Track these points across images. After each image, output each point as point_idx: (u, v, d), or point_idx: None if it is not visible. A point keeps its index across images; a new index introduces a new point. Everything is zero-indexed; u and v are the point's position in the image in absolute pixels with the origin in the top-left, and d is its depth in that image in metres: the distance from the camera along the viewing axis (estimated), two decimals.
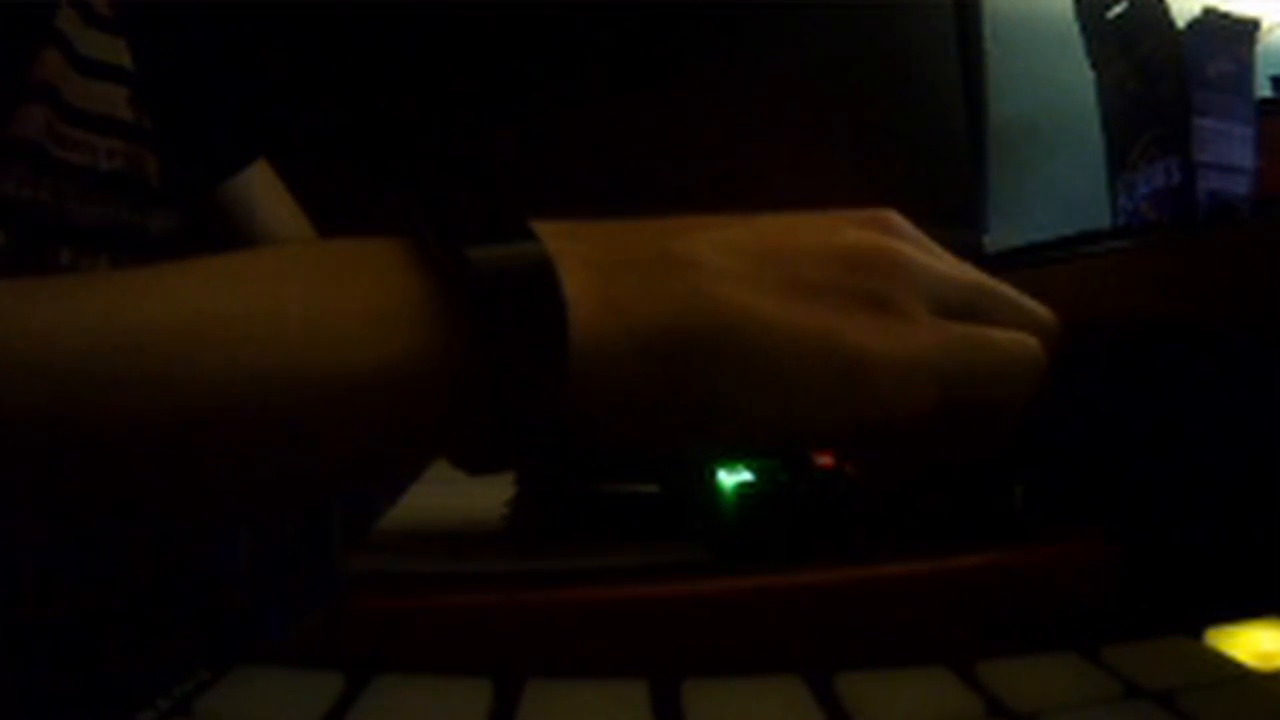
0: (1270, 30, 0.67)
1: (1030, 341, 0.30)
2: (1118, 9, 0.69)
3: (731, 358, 0.27)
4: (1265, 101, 0.65)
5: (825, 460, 0.37)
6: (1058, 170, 0.90)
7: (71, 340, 0.24)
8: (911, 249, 0.30)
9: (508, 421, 0.26)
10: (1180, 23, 0.65)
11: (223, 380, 0.24)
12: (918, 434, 0.28)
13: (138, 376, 0.24)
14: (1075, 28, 0.74)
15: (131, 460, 0.24)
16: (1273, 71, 0.67)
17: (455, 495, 0.40)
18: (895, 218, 0.30)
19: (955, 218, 0.92)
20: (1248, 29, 0.64)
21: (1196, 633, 0.21)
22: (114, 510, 0.26)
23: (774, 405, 0.27)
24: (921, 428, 0.28)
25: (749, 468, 0.33)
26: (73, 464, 0.24)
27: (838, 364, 0.27)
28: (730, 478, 0.32)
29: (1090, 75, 0.73)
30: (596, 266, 0.27)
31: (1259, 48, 0.65)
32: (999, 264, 0.32)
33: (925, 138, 0.95)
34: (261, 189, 0.64)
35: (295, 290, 0.26)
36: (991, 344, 0.29)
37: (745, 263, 0.28)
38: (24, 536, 0.26)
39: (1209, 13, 0.64)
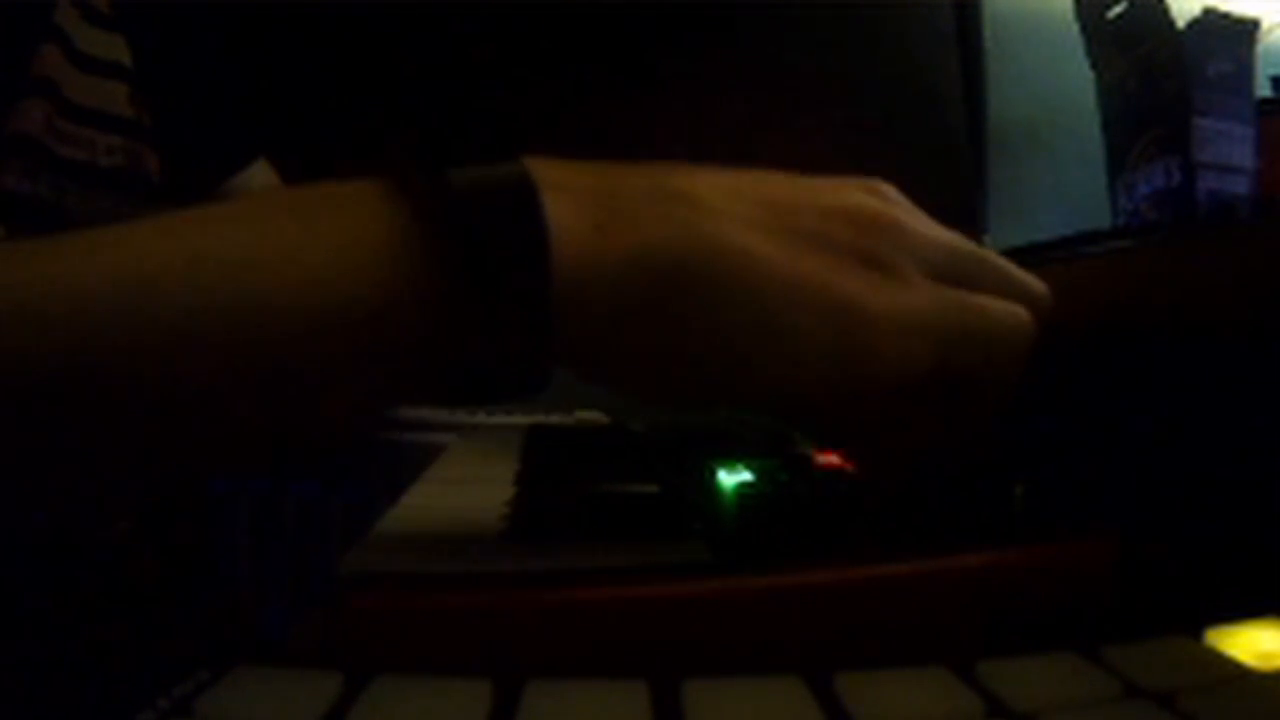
0: (1270, 30, 0.67)
1: (1021, 312, 0.30)
2: (1118, 9, 0.69)
3: (726, 296, 0.26)
4: (1265, 101, 0.65)
5: (825, 460, 0.37)
6: (1058, 170, 0.90)
7: (40, 296, 0.23)
8: (905, 215, 0.29)
9: (490, 350, 0.25)
10: (1180, 23, 0.65)
11: (193, 320, 0.23)
12: (907, 403, 0.28)
13: (110, 322, 0.23)
14: (1075, 28, 0.74)
15: (105, 409, 0.23)
16: (1273, 71, 0.67)
17: (455, 495, 0.40)
18: (889, 187, 0.30)
19: (955, 218, 0.92)
20: (1248, 29, 0.65)
21: (1196, 633, 0.21)
22: (90, 468, 0.25)
23: (766, 351, 0.27)
24: (911, 395, 0.28)
25: (749, 468, 0.33)
26: (42, 417, 0.23)
27: (834, 315, 0.27)
28: (730, 478, 0.32)
29: (1090, 75, 0.73)
30: (585, 191, 0.26)
31: (1259, 48, 0.65)
32: None
33: (925, 138, 0.95)
34: (262, 188, 0.64)
35: (268, 228, 0.25)
36: (985, 310, 0.29)
37: (745, 206, 0.27)
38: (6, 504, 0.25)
39: (1209, 13, 0.64)
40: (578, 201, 0.26)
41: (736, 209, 0.27)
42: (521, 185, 0.25)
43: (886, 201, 0.30)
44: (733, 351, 0.27)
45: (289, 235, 0.25)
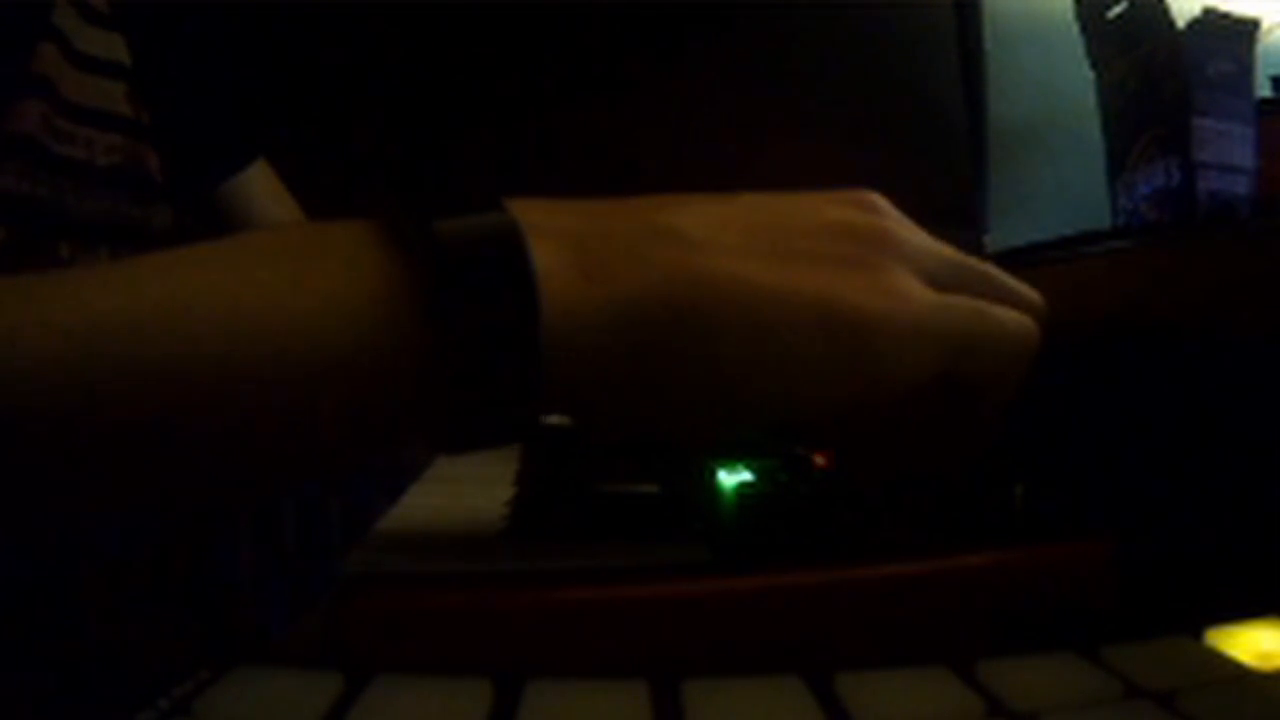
0: (1270, 30, 0.67)
1: (1026, 320, 0.30)
2: (1118, 9, 0.69)
3: (722, 327, 0.26)
4: (1265, 101, 0.65)
5: (824, 460, 0.36)
6: (1058, 170, 0.90)
7: (32, 339, 0.23)
8: (896, 225, 0.29)
9: (481, 401, 0.25)
10: (1180, 23, 0.65)
11: (181, 370, 0.23)
12: (911, 409, 0.28)
13: (97, 370, 0.23)
14: (1075, 28, 0.74)
15: (91, 453, 0.23)
16: (1273, 71, 0.67)
17: (455, 495, 0.40)
18: (877, 197, 0.30)
19: (955, 218, 0.92)
20: (1248, 29, 0.65)
21: (1196, 633, 0.21)
22: (73, 505, 0.25)
23: (769, 375, 0.26)
24: (917, 403, 0.28)
25: (749, 468, 0.33)
26: (31, 460, 0.23)
27: (835, 325, 0.26)
28: (730, 478, 0.32)
29: (1090, 75, 0.73)
30: (571, 236, 0.26)
31: (1259, 48, 0.65)
32: (999, 264, 0.32)
33: (925, 138, 0.95)
34: (261, 189, 0.64)
35: (255, 275, 0.25)
36: (991, 317, 0.29)
37: (732, 235, 0.27)
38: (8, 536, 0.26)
39: (1209, 13, 0.64)
40: (565, 248, 0.25)
41: (724, 239, 0.26)
42: (509, 234, 0.25)
43: (876, 213, 0.29)
44: (734, 382, 0.26)
45: (276, 281, 0.25)
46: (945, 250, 0.30)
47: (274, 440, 0.25)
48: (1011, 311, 0.29)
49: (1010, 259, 0.48)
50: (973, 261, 0.30)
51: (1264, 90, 0.66)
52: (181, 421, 0.24)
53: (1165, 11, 0.65)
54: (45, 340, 0.23)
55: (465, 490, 0.41)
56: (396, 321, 0.24)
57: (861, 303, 0.26)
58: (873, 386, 0.27)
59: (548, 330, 0.24)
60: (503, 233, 0.25)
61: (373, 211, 0.26)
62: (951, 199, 0.93)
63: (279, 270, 0.25)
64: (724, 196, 0.29)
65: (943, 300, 0.28)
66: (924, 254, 0.29)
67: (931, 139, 0.95)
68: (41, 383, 0.23)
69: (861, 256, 0.27)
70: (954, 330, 0.28)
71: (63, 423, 0.23)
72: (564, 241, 0.25)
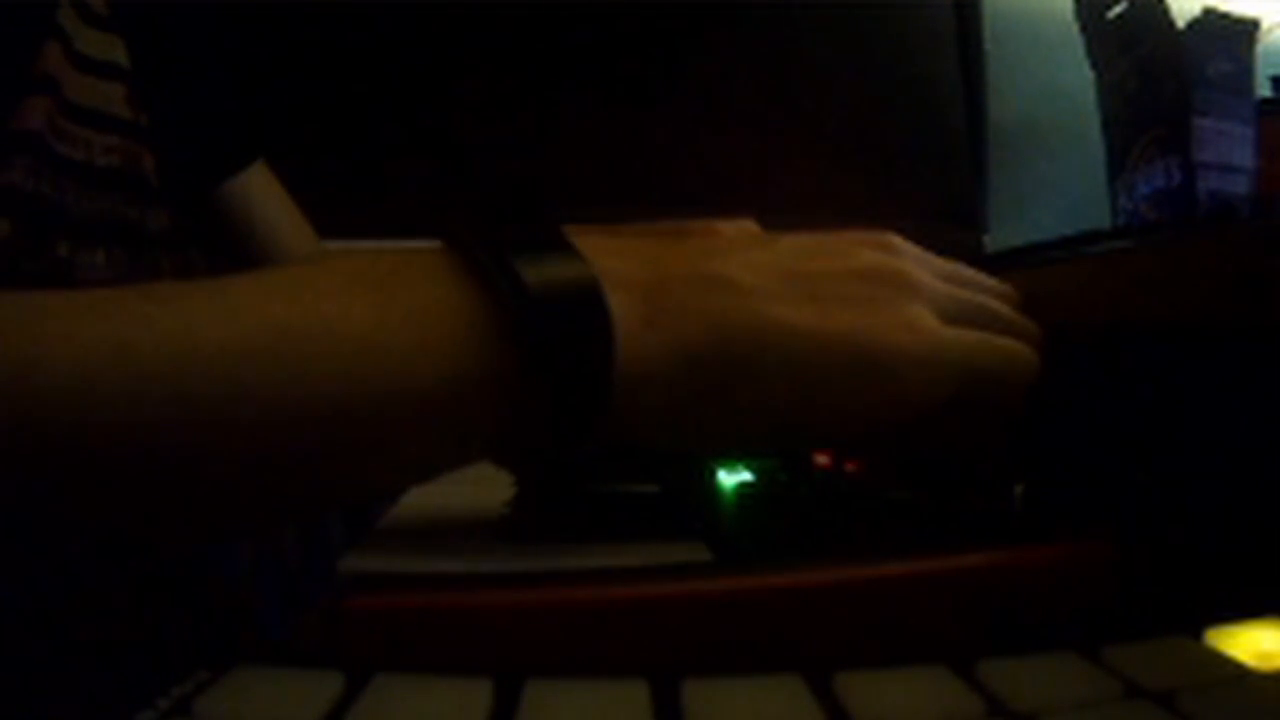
0: (1270, 30, 0.67)
1: (1029, 351, 0.33)
2: (1118, 9, 0.69)
3: (769, 367, 0.29)
4: (1265, 101, 0.65)
5: (824, 460, 0.37)
6: (1058, 170, 0.90)
7: (125, 364, 0.24)
8: (914, 267, 0.32)
9: (546, 435, 0.27)
10: (1180, 23, 0.65)
11: (289, 393, 0.25)
12: (921, 425, 0.31)
13: (211, 393, 0.24)
14: (1075, 28, 0.74)
15: (181, 477, 0.25)
16: (1273, 71, 0.67)
17: (455, 495, 0.40)
18: (897, 240, 0.33)
19: (955, 218, 0.92)
20: (1248, 29, 0.65)
21: (1196, 633, 0.21)
22: (151, 529, 0.26)
23: (805, 406, 0.30)
24: (930, 420, 0.31)
25: (749, 468, 0.33)
26: (112, 485, 0.24)
27: (864, 359, 0.29)
28: (730, 478, 0.32)
29: (1090, 75, 0.73)
30: (638, 286, 0.28)
31: (1259, 48, 0.65)
32: (999, 264, 0.33)
33: (925, 138, 0.95)
34: (260, 190, 0.64)
35: (350, 307, 0.26)
36: (997, 348, 0.33)
37: (774, 281, 0.30)
38: (62, 553, 0.26)
39: (1209, 13, 0.64)
40: (631, 297, 0.28)
41: (769, 286, 0.29)
42: (590, 285, 0.27)
43: (896, 255, 0.33)
44: (778, 414, 0.29)
45: (367, 310, 0.26)
46: (955, 287, 0.34)
47: (348, 462, 0.26)
48: (1017, 344, 0.33)
49: (1010, 259, 0.48)
50: (980, 297, 0.34)
51: (1264, 90, 0.66)
52: (256, 445, 0.25)
53: (1165, 11, 0.65)
54: (143, 368, 0.24)
55: (465, 490, 0.41)
56: (478, 361, 0.26)
57: (886, 337, 0.30)
58: (895, 409, 0.30)
59: (620, 377, 0.27)
60: (586, 286, 0.27)
61: (444, 233, 0.28)
62: (951, 199, 0.93)
63: (366, 299, 0.27)
64: (762, 241, 0.32)
65: (955, 334, 0.31)
66: (938, 291, 0.32)
67: (931, 139, 0.95)
68: (141, 410, 0.23)
69: (886, 297, 0.31)
70: (965, 360, 0.31)
71: (159, 449, 0.24)
72: (629, 292, 0.28)
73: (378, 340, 0.26)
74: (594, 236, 0.29)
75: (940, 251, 0.35)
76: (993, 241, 0.92)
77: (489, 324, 0.26)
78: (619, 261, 0.29)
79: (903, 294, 0.31)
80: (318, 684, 0.19)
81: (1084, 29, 0.73)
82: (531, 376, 0.26)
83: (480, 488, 0.40)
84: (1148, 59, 0.66)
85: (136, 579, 0.48)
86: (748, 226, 0.34)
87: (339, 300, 0.26)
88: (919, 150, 0.94)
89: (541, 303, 0.26)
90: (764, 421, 0.30)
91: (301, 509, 0.30)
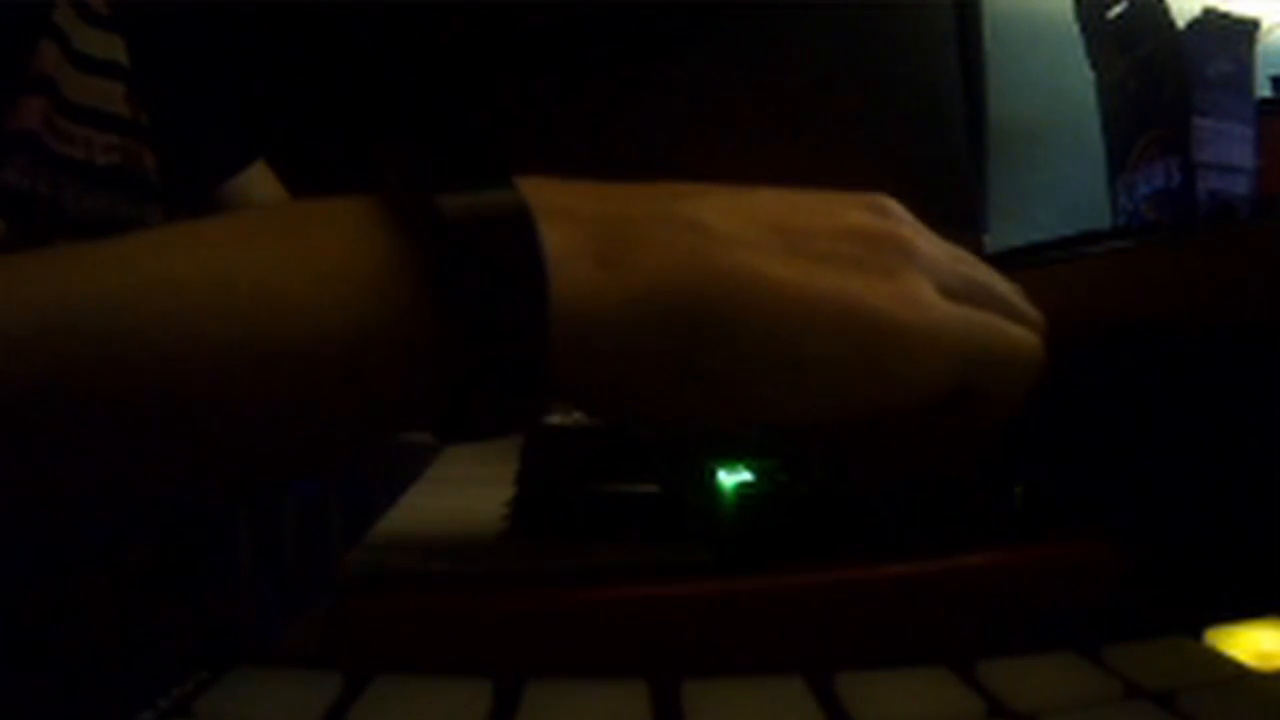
0: (1270, 30, 0.67)
1: (1035, 338, 0.30)
2: (1118, 9, 0.69)
3: (744, 328, 0.25)
4: (1265, 101, 0.65)
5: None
6: (1058, 170, 0.90)
7: (19, 318, 0.22)
8: (912, 232, 0.29)
9: (484, 389, 0.24)
10: (1180, 23, 0.65)
11: (177, 352, 0.22)
12: (919, 418, 0.28)
13: (90, 352, 0.22)
14: (1075, 28, 0.74)
15: (85, 437, 0.23)
16: (1273, 71, 0.67)
17: (455, 495, 0.40)
18: (893, 202, 0.29)
19: (955, 218, 0.92)
20: (1248, 29, 0.65)
21: (1196, 633, 0.21)
22: (55, 490, 0.24)
23: (781, 372, 0.26)
24: (927, 412, 0.27)
25: (749, 468, 0.33)
26: (22, 446, 0.22)
27: (852, 327, 0.26)
28: (730, 478, 0.32)
29: (1090, 75, 0.73)
30: (585, 219, 0.25)
31: (1259, 48, 0.65)
32: (999, 264, 0.32)
33: (925, 138, 0.95)
34: (260, 191, 0.64)
35: (252, 254, 0.24)
36: (1005, 333, 0.29)
37: (753, 230, 0.26)
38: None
39: (1209, 13, 0.64)
40: (579, 231, 0.24)
41: (746, 234, 0.26)
42: (518, 214, 0.23)
43: (893, 219, 0.29)
44: (749, 379, 0.26)
45: (271, 257, 0.24)
46: (957, 261, 0.30)
47: (264, 424, 0.24)
48: (1023, 329, 0.29)
49: (1010, 259, 0.48)
50: (984, 274, 0.30)
51: (1264, 90, 0.66)
52: (170, 405, 0.23)
53: (1165, 12, 0.65)
54: (33, 320, 0.22)
55: (465, 490, 0.41)
56: (396, 304, 0.23)
57: (880, 307, 0.26)
58: (888, 393, 0.26)
59: (558, 318, 0.23)
60: (511, 212, 0.23)
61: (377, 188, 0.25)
62: (951, 199, 0.93)
63: (273, 248, 0.24)
64: (744, 189, 0.28)
65: (961, 312, 0.28)
66: (939, 263, 0.28)
67: (931, 139, 0.95)
68: (17, 362, 0.22)
69: (880, 261, 0.27)
70: (970, 343, 0.27)
71: (41, 404, 0.22)
72: (577, 225, 0.24)
73: (276, 288, 0.23)
74: (543, 180, 0.25)
75: None
76: (993, 241, 0.92)
77: (402, 263, 0.23)
78: (565, 198, 0.25)
79: (900, 261, 0.27)
80: (318, 684, 0.19)
81: (1084, 29, 0.73)
82: (450, 322, 0.23)
83: (480, 488, 0.40)
84: (1148, 59, 0.66)
85: (136, 579, 0.48)
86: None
87: (242, 248, 0.24)
88: (919, 150, 0.94)
89: (456, 230, 0.23)
90: (734, 390, 0.26)
91: (216, 474, 0.26)
